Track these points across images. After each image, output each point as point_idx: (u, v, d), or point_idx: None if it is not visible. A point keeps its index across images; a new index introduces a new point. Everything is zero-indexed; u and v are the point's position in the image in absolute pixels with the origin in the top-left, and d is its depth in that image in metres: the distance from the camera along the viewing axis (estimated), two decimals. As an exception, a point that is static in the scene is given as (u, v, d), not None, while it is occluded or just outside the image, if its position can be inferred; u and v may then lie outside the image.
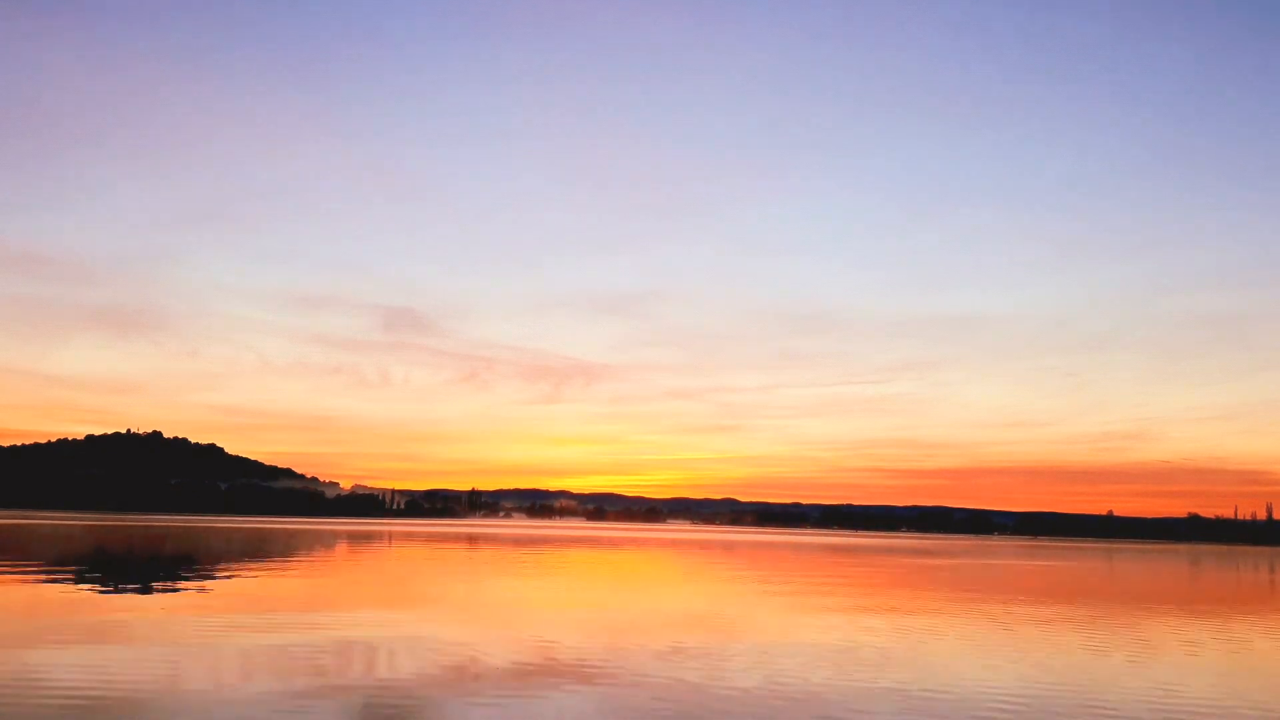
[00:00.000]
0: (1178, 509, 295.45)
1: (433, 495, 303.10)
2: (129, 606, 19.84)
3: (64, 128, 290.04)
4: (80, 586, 24.46)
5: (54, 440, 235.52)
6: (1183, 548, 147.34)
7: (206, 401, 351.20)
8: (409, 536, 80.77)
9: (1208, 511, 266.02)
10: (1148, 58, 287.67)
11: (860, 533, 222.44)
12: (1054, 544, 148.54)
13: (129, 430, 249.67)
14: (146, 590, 24.16)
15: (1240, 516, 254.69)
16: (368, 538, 73.58)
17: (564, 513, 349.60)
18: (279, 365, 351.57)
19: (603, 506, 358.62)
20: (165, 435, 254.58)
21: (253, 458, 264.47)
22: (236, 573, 31.51)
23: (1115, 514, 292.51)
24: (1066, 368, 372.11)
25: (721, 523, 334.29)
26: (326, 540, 64.83)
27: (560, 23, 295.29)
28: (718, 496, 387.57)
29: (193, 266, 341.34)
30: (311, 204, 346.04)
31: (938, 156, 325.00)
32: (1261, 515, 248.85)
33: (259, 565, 35.80)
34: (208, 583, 27.16)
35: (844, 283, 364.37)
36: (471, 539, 80.00)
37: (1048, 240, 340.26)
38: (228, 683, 11.40)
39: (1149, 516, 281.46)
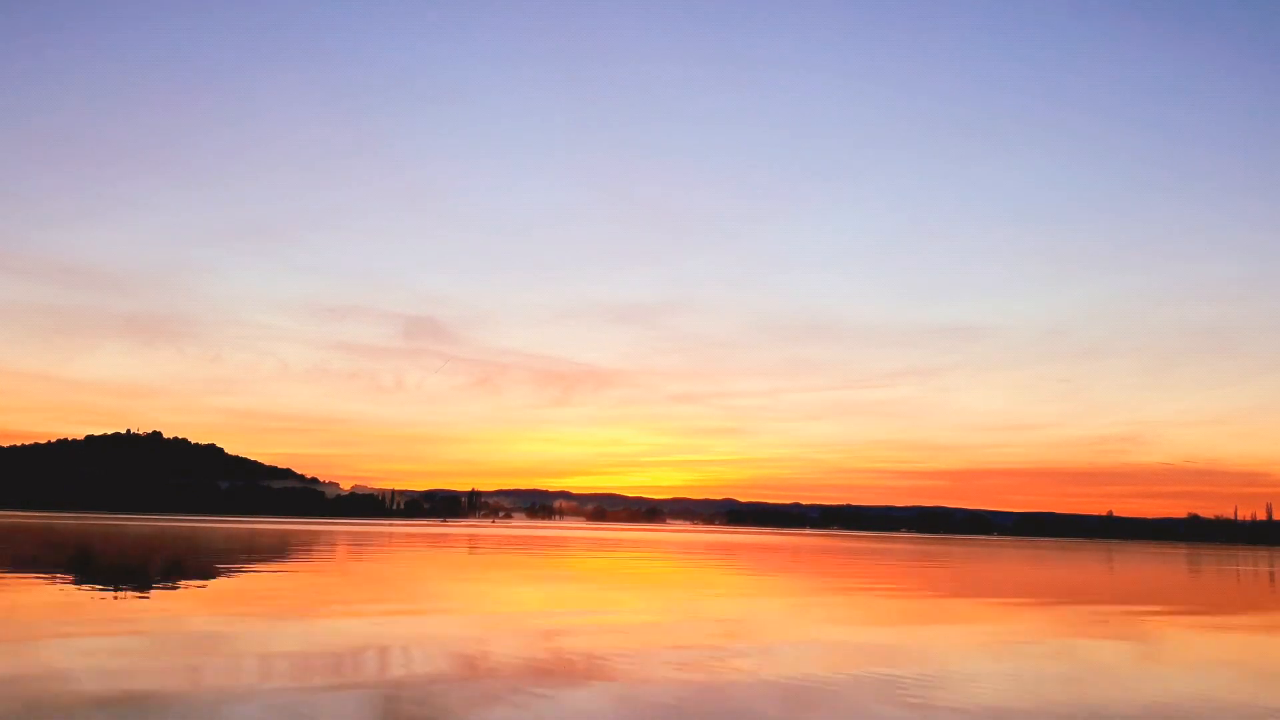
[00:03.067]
0: (1177, 510, 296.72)
1: (432, 496, 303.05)
2: (128, 607, 19.83)
3: (109, 148, 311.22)
4: (79, 587, 24.45)
5: (54, 440, 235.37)
6: (1183, 548, 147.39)
7: (222, 405, 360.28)
8: (405, 537, 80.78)
9: (1207, 512, 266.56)
10: (1135, 87, 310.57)
11: (860, 533, 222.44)
12: (1054, 544, 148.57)
13: (129, 430, 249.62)
14: (145, 591, 24.15)
15: (1240, 517, 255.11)
16: (361, 538, 73.58)
17: (563, 513, 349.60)
18: (297, 371, 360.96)
19: (603, 507, 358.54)
20: (165, 435, 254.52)
21: (253, 458, 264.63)
22: (233, 573, 31.50)
23: (1115, 514, 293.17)
24: (1062, 375, 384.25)
25: (721, 523, 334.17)
26: (318, 541, 64.85)
27: (585, 46, 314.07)
28: (718, 497, 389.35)
29: (222, 278, 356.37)
30: (340, 220, 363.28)
31: (939, 179, 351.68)
32: (1261, 516, 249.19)
33: (253, 566, 35.80)
34: (206, 583, 27.16)
35: (850, 296, 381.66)
36: (463, 540, 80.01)
37: (1043, 256, 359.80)
38: (232, 684, 11.39)
39: (1149, 517, 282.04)
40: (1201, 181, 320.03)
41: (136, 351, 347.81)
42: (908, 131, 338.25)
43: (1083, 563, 67.72)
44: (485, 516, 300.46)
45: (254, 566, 34.96)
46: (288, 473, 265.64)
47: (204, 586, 25.82)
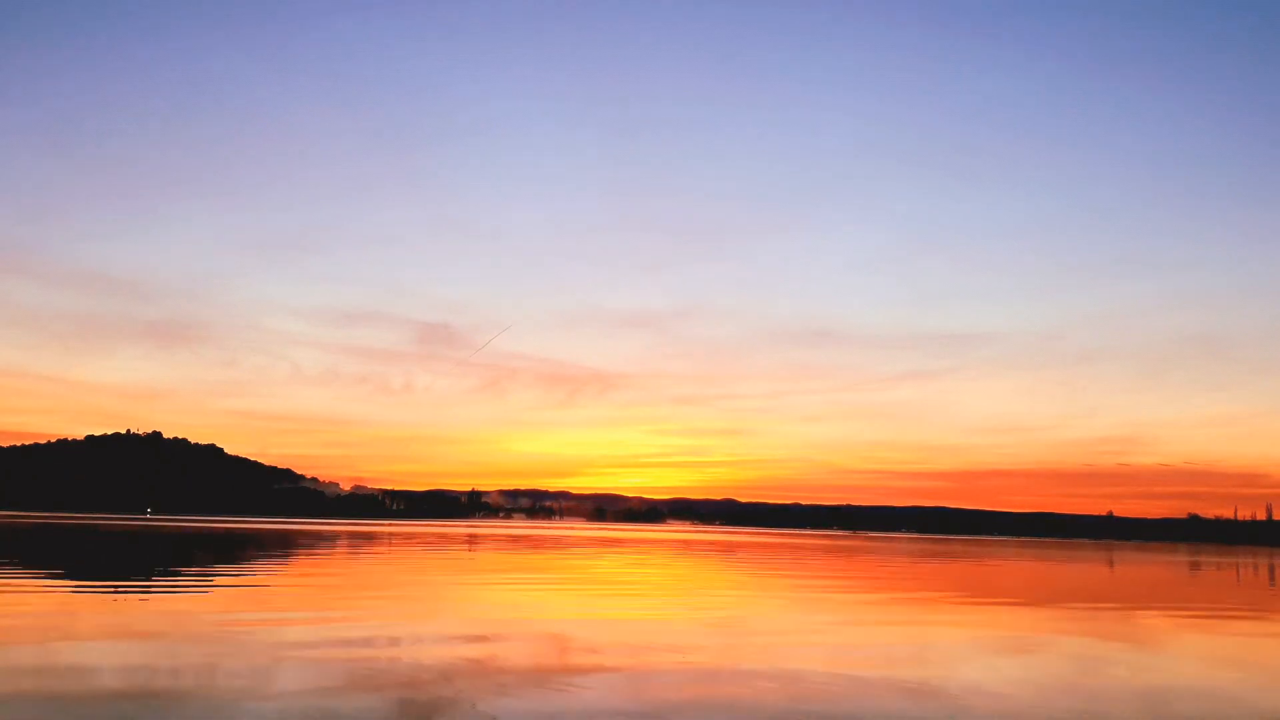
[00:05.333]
0: (1177, 510, 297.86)
1: (432, 496, 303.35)
2: (129, 607, 19.76)
3: (148, 169, 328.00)
4: (79, 588, 24.38)
5: (54, 440, 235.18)
6: (1183, 548, 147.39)
7: (232, 407, 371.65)
8: (402, 537, 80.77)
9: (1207, 513, 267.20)
10: (1128, 110, 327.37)
11: (860, 533, 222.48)
12: (1053, 544, 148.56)
13: (129, 430, 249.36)
14: (145, 591, 24.08)
15: (1240, 517, 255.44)
16: (358, 538, 73.58)
17: (563, 513, 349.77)
18: (310, 374, 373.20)
19: (602, 507, 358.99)
20: (165, 435, 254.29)
21: (254, 458, 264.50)
22: (229, 573, 31.45)
23: (1115, 515, 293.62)
24: (1061, 379, 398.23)
25: (721, 523, 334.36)
26: (315, 541, 64.83)
27: (602, 68, 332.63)
28: (718, 497, 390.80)
29: (246, 288, 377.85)
30: (364, 233, 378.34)
31: (940, 195, 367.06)
32: (1261, 516, 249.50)
33: (247, 566, 35.74)
34: (203, 583, 27.08)
35: (853, 304, 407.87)
36: (460, 540, 80.00)
37: (1040, 267, 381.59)
38: (234, 686, 11.31)
39: (1149, 518, 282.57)
40: (1188, 200, 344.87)
41: (153, 355, 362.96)
42: (910, 150, 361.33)
43: (1083, 562, 67.68)
44: (484, 516, 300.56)
45: (244, 567, 34.89)
46: (287, 473, 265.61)
47: (200, 587, 25.72)
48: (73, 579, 25.98)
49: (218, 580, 27.43)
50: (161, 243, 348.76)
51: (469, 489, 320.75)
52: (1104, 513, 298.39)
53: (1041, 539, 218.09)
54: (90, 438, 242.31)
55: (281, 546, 52.31)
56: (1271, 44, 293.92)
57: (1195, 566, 66.19)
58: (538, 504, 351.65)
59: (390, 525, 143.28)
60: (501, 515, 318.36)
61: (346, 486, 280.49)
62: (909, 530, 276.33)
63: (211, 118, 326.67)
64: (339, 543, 60.85)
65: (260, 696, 10.26)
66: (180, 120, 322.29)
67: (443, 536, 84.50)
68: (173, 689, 10.55)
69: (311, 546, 53.51)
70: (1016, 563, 63.17)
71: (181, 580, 26.92)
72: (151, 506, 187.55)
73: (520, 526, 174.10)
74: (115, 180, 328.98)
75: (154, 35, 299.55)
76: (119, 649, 13.38)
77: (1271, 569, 66.11)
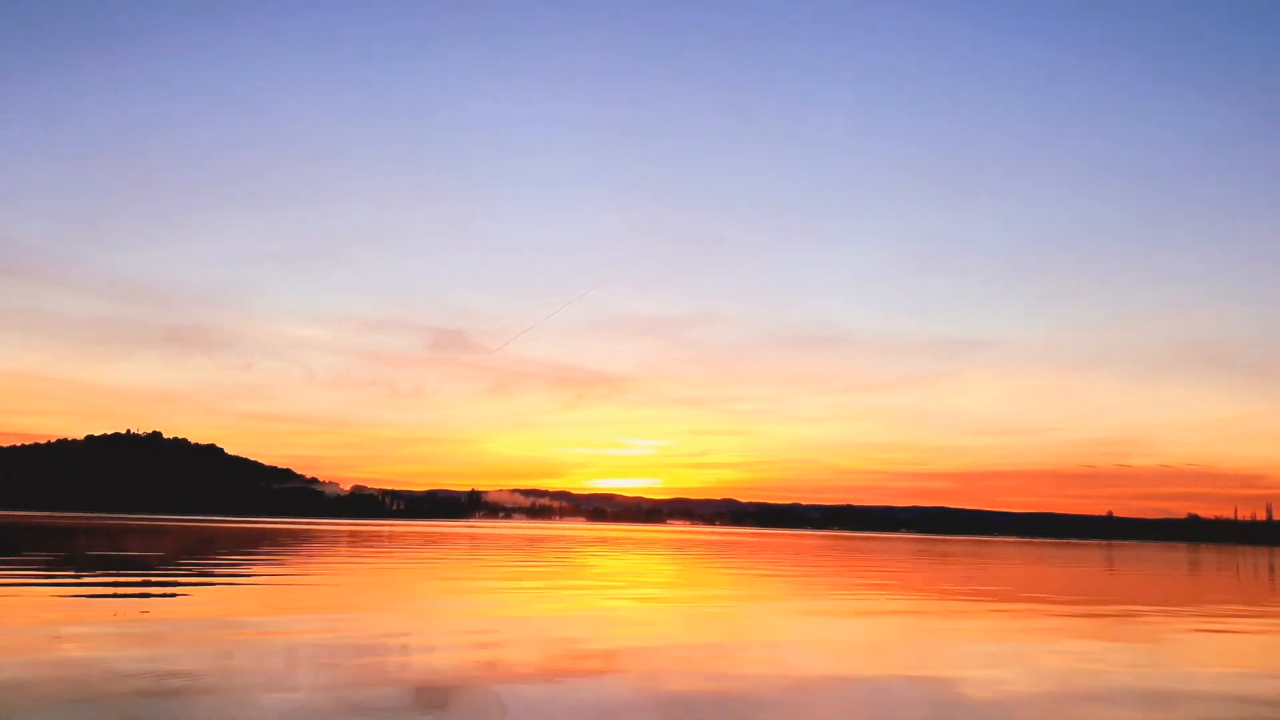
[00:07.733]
0: (1177, 511, 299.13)
1: (432, 496, 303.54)
2: (130, 607, 19.65)
3: (173, 179, 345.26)
4: (77, 587, 24.27)
5: (54, 440, 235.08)
6: (1182, 548, 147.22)
7: (241, 410, 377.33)
8: (401, 536, 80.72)
9: (1207, 513, 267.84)
10: (1126, 124, 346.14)
11: (861, 533, 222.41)
12: (1054, 544, 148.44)
13: (129, 430, 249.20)
14: (145, 591, 23.97)
15: (1240, 518, 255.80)
16: (356, 537, 73.53)
17: (563, 513, 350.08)
18: (323, 379, 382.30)
19: (602, 507, 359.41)
20: (165, 436, 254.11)
21: (252, 458, 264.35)
22: (226, 573, 31.35)
23: (1115, 515, 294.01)
24: (1061, 382, 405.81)
25: (722, 523, 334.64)
26: (311, 540, 64.76)
27: (614, 75, 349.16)
28: (718, 497, 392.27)
29: (267, 295, 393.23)
30: (385, 242, 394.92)
31: (944, 207, 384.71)
32: (1261, 516, 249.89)
33: (244, 567, 35.65)
34: (201, 583, 26.96)
35: (856, 313, 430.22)
36: (458, 539, 79.94)
37: (1041, 275, 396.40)
38: (235, 686, 11.17)
39: (1149, 518, 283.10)
40: (1189, 204, 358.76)
41: (171, 360, 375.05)
42: (914, 164, 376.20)
43: (1083, 562, 67.57)
44: (485, 516, 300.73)
45: (239, 566, 34.78)
46: (287, 473, 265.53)
47: (200, 587, 25.60)
48: (70, 578, 25.84)
49: (209, 579, 27.30)
50: (185, 252, 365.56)
51: (469, 489, 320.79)
52: (1104, 513, 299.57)
53: (1042, 539, 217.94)
54: (90, 438, 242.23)
55: (277, 545, 52.18)
56: (1263, 57, 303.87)
57: (1195, 565, 66.01)
58: (537, 504, 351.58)
59: (388, 525, 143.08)
60: (501, 515, 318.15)
61: (346, 486, 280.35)
62: (909, 531, 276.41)
63: (234, 131, 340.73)
64: (335, 542, 60.73)
65: (259, 697, 10.11)
66: (205, 134, 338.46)
67: (442, 536, 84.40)
68: (167, 688, 10.40)
69: (308, 545, 53.38)
70: (1016, 563, 63.06)
71: (174, 578, 26.78)
72: (150, 505, 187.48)
73: (520, 526, 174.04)
74: (142, 192, 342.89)
75: (178, 51, 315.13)
76: (108, 645, 13.23)
77: (1271, 567, 65.96)
